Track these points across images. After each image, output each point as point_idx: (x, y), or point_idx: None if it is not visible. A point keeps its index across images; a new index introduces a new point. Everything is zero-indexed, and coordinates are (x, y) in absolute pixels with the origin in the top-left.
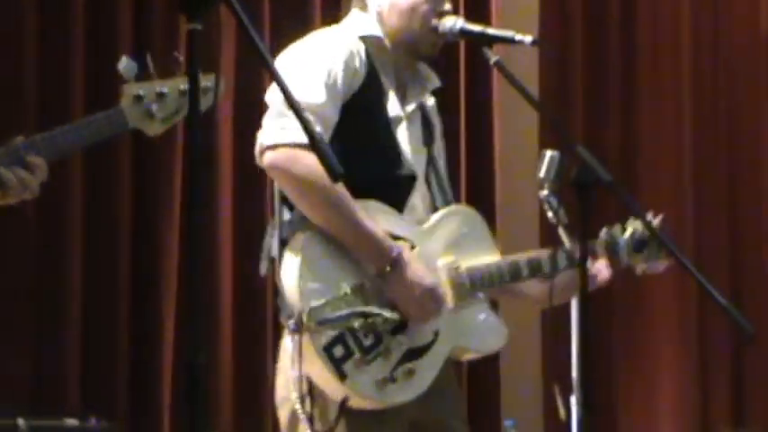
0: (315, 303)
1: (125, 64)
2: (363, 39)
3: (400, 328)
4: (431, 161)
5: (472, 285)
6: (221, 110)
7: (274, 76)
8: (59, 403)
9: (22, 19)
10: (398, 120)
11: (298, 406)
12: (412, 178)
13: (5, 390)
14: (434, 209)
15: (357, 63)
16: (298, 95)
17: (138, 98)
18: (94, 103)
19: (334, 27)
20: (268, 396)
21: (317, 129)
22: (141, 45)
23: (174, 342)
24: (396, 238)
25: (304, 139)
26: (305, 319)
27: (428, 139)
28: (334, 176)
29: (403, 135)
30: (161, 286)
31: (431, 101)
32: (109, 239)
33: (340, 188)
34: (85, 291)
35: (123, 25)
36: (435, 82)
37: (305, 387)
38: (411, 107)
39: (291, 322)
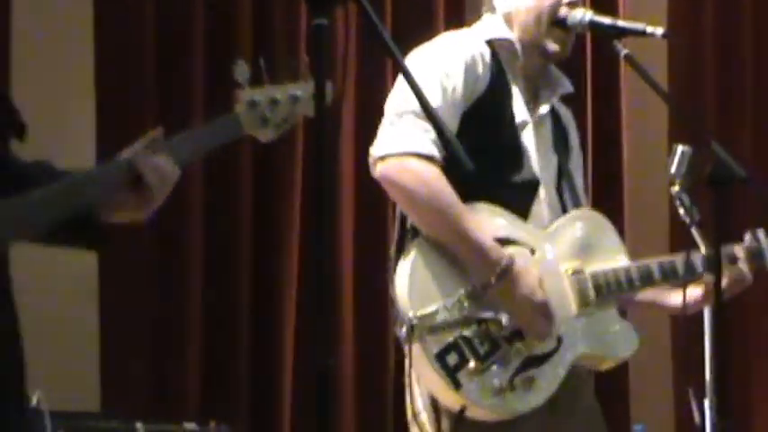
0: (425, 310)
1: (240, 69)
2: (491, 42)
3: (518, 334)
4: (562, 168)
5: (597, 291)
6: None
7: (403, 72)
8: (179, 407)
9: (142, 21)
10: (525, 125)
11: (410, 416)
12: (535, 184)
13: (125, 393)
14: (556, 212)
15: (480, 69)
16: (413, 99)
17: (253, 104)
18: (213, 107)
19: (462, 30)
20: (389, 401)
21: (432, 133)
22: (259, 48)
23: (294, 345)
24: (513, 242)
25: (413, 148)
26: (416, 324)
27: (560, 146)
28: (466, 173)
29: (529, 140)
30: (281, 289)
31: (565, 110)
32: (228, 242)
33: (448, 196)
34: (205, 294)
35: (242, 27)
36: (567, 87)
37: (425, 396)
38: (541, 112)
39: (402, 330)
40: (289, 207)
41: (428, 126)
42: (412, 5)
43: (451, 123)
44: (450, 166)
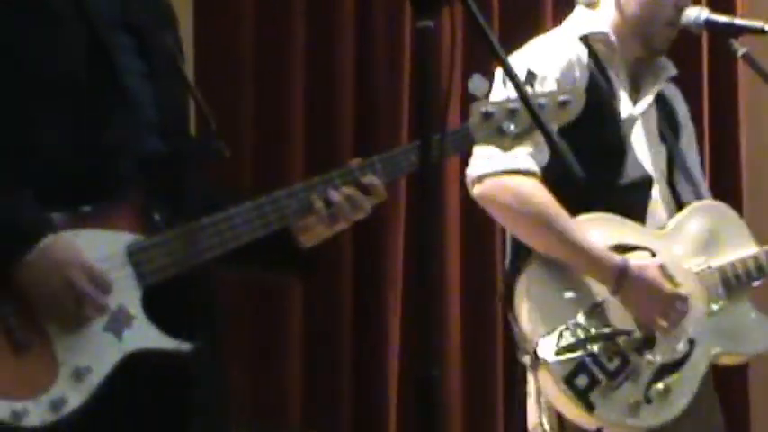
0: (547, 335)
1: (475, 82)
2: (586, 39)
3: (647, 344)
4: (672, 157)
5: (726, 285)
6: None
7: (511, 78)
8: (280, 416)
9: (239, 29)
10: (632, 120)
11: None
12: (648, 181)
13: (227, 401)
14: (680, 206)
15: (577, 72)
16: None
17: (487, 115)
18: (312, 114)
19: (554, 30)
20: (498, 416)
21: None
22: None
23: (399, 354)
24: (631, 248)
25: (509, 165)
26: (538, 353)
27: (668, 132)
28: (577, 179)
29: (638, 136)
30: (385, 296)
31: (670, 89)
32: (331, 250)
33: (552, 210)
34: (307, 303)
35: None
36: (671, 70)
37: (554, 420)
38: (645, 103)
39: (526, 358)
40: (392, 217)
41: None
42: (519, 5)
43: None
44: (557, 174)
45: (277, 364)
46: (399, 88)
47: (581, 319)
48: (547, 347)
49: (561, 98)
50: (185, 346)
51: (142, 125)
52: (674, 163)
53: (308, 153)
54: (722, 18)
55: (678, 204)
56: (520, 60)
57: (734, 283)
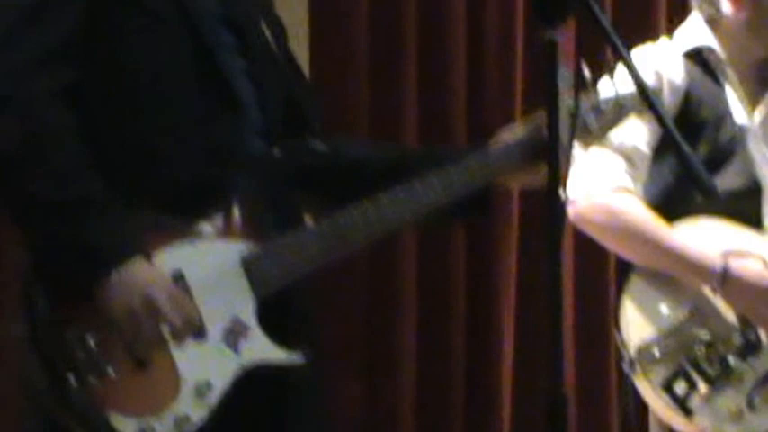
0: (646, 341)
1: (562, 74)
2: (692, 53)
3: (751, 348)
4: None
5: None
6: None
7: (637, 82)
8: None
9: (353, 36)
10: (744, 130)
11: None
12: (756, 189)
13: (336, 415)
14: None
15: (667, 94)
16: None
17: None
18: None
19: (660, 42)
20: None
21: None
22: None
23: (513, 371)
24: (742, 254)
25: (602, 185)
26: (636, 359)
27: None
28: (706, 191)
29: (752, 144)
30: (498, 313)
31: None
32: (442, 258)
33: (646, 222)
34: (419, 318)
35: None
36: None
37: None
38: (762, 112)
39: (627, 365)
40: (505, 233)
41: (616, 157)
42: (633, 10)
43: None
44: (660, 188)
45: (389, 380)
46: (512, 77)
47: (680, 324)
48: (645, 354)
49: (620, 101)
50: (298, 358)
51: (248, 127)
52: None
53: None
54: None
55: None
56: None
57: None
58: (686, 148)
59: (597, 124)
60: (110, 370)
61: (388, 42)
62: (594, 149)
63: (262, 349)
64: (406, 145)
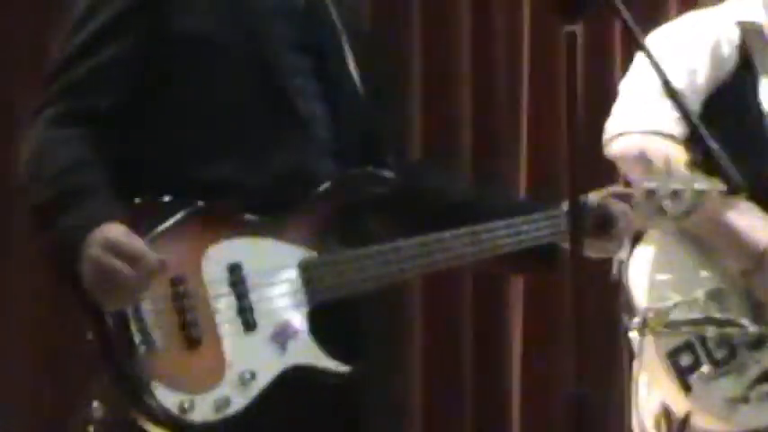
0: (663, 304)
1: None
2: (741, 24)
3: (760, 343)
4: None
5: None
6: None
7: (666, 83)
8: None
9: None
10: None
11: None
12: None
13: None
14: None
15: (726, 51)
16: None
17: (650, 193)
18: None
19: (711, 9)
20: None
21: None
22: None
23: (521, 375)
24: None
25: (655, 126)
26: (651, 317)
27: None
28: (733, 189)
29: None
30: (507, 304)
31: None
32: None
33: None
34: (427, 319)
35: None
36: None
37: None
38: None
39: (636, 320)
40: None
41: (671, 104)
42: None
43: (694, 109)
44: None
45: (399, 381)
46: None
47: (701, 297)
48: (658, 316)
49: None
50: (345, 368)
51: (314, 147)
52: None
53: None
54: None
55: None
56: (671, 32)
57: None
58: (714, 144)
59: (674, 209)
60: (158, 342)
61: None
62: (651, 91)
63: (309, 353)
64: (482, 187)
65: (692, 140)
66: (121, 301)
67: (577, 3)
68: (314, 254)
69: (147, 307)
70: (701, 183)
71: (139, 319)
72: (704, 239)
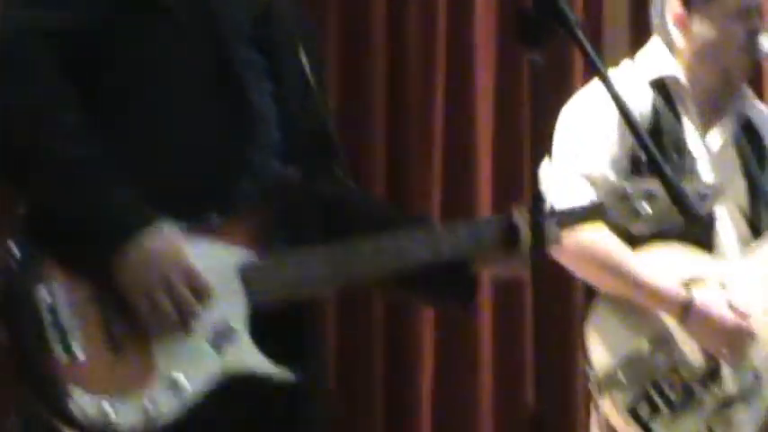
0: (612, 364)
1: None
2: (654, 83)
3: (712, 376)
4: (755, 190)
5: None
6: None
7: (618, 103)
8: None
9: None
10: (699, 159)
11: None
12: (710, 218)
13: None
14: (758, 235)
15: (642, 115)
16: (580, 153)
17: (625, 196)
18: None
19: (624, 65)
20: None
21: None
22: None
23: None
24: (699, 281)
25: (588, 170)
26: (602, 381)
27: (755, 161)
28: (690, 218)
29: (706, 172)
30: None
31: (762, 115)
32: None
33: (614, 254)
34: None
35: None
36: (747, 95)
37: None
38: (716, 140)
39: (593, 384)
40: None
41: (584, 183)
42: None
43: (621, 168)
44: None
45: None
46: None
47: (646, 348)
48: (611, 377)
49: (699, 190)
50: (290, 375)
51: (266, 146)
52: (757, 197)
53: None
54: None
55: (756, 234)
56: (581, 99)
57: None
58: (671, 173)
59: (648, 211)
60: (75, 344)
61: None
62: (562, 175)
63: (247, 357)
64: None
65: (645, 172)
66: (170, 328)
67: (539, 31)
68: (253, 254)
69: (65, 309)
70: (629, 186)
71: (56, 322)
72: (628, 300)
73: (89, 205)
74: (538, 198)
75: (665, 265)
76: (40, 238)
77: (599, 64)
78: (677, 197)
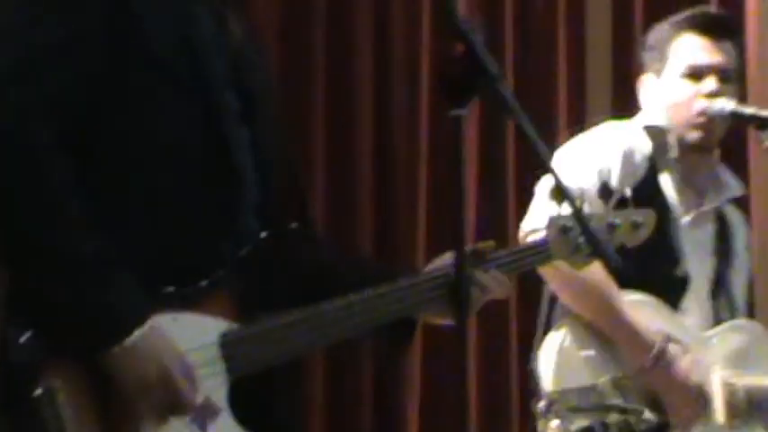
0: (568, 389)
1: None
2: (649, 131)
3: (660, 429)
4: (721, 273)
5: (750, 406)
6: None
7: (545, 165)
8: None
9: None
10: (678, 220)
11: None
12: (684, 282)
13: None
14: (718, 322)
15: (638, 159)
16: (570, 181)
17: (566, 230)
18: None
19: (624, 122)
20: None
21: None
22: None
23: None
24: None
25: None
26: (555, 399)
27: (721, 249)
28: (611, 267)
29: (684, 238)
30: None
31: (735, 213)
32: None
33: (602, 284)
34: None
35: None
36: (735, 190)
37: None
38: (698, 211)
39: (542, 405)
40: None
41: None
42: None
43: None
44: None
45: None
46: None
47: (603, 385)
48: (564, 402)
49: (635, 219)
50: None
51: (246, 205)
52: (720, 280)
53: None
54: (748, 110)
55: (716, 319)
56: (586, 139)
57: (755, 406)
58: (591, 228)
59: (588, 246)
60: (69, 427)
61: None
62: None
63: None
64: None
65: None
66: (160, 418)
67: (465, 89)
68: (234, 326)
69: (65, 409)
70: (616, 216)
71: (56, 416)
72: (605, 334)
73: (86, 303)
74: (460, 250)
75: (642, 313)
76: (31, 320)
77: (522, 120)
78: (598, 252)
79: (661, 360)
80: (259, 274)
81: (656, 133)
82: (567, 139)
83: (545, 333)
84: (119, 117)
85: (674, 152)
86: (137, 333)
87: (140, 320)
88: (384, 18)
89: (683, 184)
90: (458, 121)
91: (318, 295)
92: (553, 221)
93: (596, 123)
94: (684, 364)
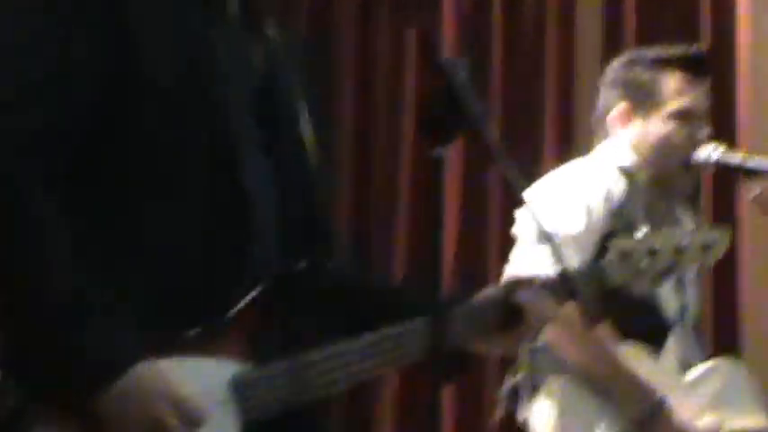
0: None
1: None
2: (624, 173)
3: None
4: (683, 309)
5: None
6: None
7: (525, 206)
8: None
9: None
10: None
11: None
12: (665, 330)
13: None
14: (685, 361)
15: (616, 197)
16: (555, 225)
17: (626, 254)
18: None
19: (590, 156)
20: None
21: (575, 258)
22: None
23: None
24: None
25: (537, 270)
26: None
27: (680, 286)
28: (589, 320)
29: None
30: None
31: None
32: None
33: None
34: None
35: None
36: (688, 226)
37: None
38: None
39: None
40: None
41: (574, 248)
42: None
43: (589, 249)
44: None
45: None
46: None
47: None
48: None
49: (704, 239)
50: None
51: (259, 236)
52: (683, 316)
53: None
54: (735, 159)
55: (684, 357)
56: (561, 178)
57: None
58: (573, 276)
59: (652, 269)
60: None
61: None
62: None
63: None
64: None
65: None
66: None
67: (445, 130)
68: (249, 367)
69: None
70: (682, 238)
71: None
72: (603, 385)
73: (72, 347)
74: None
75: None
76: (15, 362)
77: (503, 160)
78: (577, 297)
79: (659, 412)
80: (280, 311)
81: (631, 175)
82: (554, 166)
83: (532, 392)
84: (117, 147)
85: (645, 195)
86: (126, 376)
87: (124, 365)
88: (368, 54)
89: (648, 220)
90: (437, 161)
91: (348, 330)
92: (614, 245)
93: (585, 151)
94: (679, 420)
